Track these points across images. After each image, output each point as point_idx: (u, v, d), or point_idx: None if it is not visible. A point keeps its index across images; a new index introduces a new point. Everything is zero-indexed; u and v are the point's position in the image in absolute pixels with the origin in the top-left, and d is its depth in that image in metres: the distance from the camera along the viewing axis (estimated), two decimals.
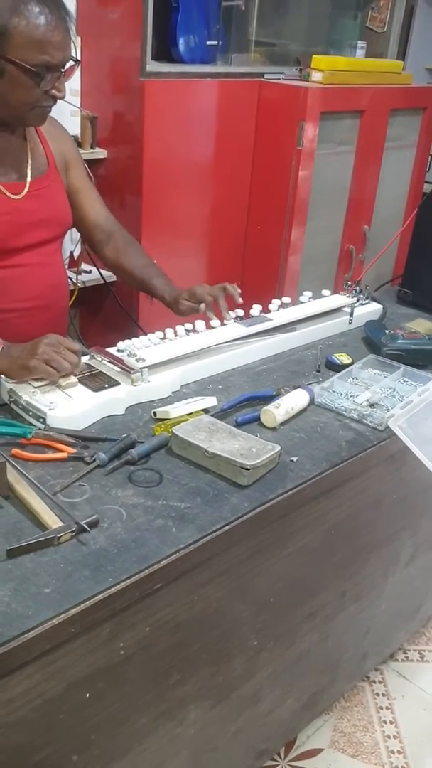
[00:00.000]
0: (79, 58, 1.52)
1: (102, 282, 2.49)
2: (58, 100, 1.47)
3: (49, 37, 1.36)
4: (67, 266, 2.11)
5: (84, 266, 2.53)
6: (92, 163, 2.48)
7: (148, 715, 1.14)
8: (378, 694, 1.94)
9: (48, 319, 1.62)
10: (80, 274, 2.52)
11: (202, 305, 1.63)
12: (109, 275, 2.49)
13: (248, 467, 1.17)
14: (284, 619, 1.39)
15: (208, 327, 1.60)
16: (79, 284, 2.49)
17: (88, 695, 1.00)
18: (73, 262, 2.50)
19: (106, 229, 1.80)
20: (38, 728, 0.96)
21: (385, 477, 1.47)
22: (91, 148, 2.50)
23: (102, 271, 2.51)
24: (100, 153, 2.53)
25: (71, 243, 2.46)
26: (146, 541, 1.03)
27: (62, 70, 1.42)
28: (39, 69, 1.37)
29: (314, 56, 2.74)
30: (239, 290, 1.65)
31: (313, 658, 1.55)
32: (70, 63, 1.43)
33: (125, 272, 1.82)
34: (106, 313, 2.71)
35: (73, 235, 1.86)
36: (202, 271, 2.83)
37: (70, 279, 2.30)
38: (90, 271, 2.53)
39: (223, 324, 1.63)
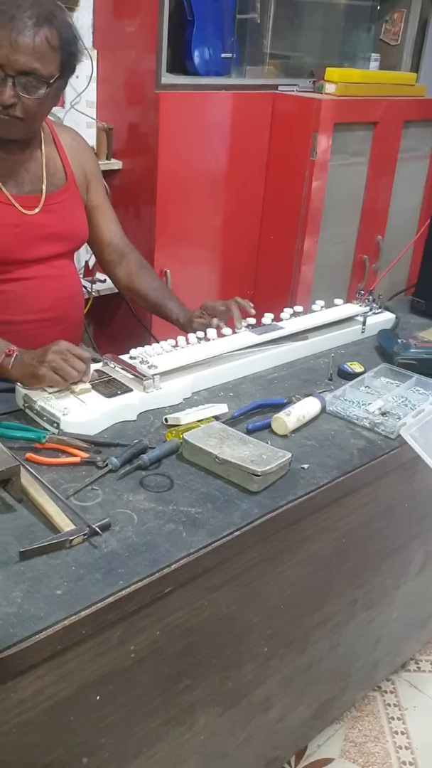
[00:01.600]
0: (59, 79, 1.41)
1: (116, 291, 2.51)
2: (28, 117, 1.40)
3: None
4: (81, 276, 2.12)
5: (99, 275, 2.55)
6: (107, 174, 2.51)
7: (157, 720, 1.15)
8: (389, 705, 1.93)
9: (62, 329, 1.62)
10: (95, 283, 2.54)
11: (214, 320, 1.62)
12: None
13: (259, 474, 1.18)
14: (295, 626, 1.39)
15: (220, 335, 1.62)
16: (93, 293, 2.51)
17: (98, 698, 1.01)
18: (88, 272, 2.53)
19: (119, 249, 1.80)
20: (48, 729, 0.97)
21: (397, 485, 1.47)
22: (107, 159, 2.54)
23: None
24: (116, 164, 2.57)
25: (86, 253, 2.49)
26: (157, 545, 1.04)
27: (13, 75, 1.33)
28: None
29: (328, 68, 2.76)
30: (251, 303, 1.66)
31: (324, 666, 1.55)
32: (43, 89, 1.36)
33: (138, 294, 1.82)
34: (120, 322, 2.73)
35: None
36: (215, 280, 2.85)
37: (85, 288, 2.32)
38: (105, 280, 2.55)
39: (234, 332, 1.64)
